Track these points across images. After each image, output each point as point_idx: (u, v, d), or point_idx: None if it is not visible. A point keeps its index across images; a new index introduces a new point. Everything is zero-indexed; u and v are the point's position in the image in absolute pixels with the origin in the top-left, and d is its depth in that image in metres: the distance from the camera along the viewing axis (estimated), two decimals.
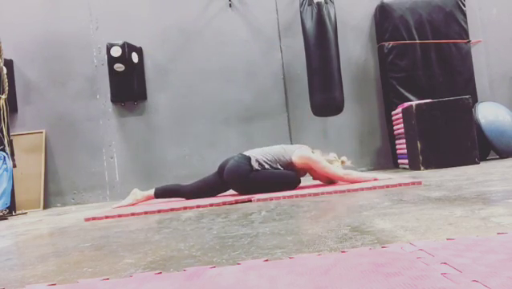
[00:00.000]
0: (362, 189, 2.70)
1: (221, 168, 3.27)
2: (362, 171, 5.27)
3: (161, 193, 3.37)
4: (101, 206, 4.26)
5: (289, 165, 3.20)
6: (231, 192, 3.40)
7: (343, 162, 3.30)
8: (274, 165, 3.20)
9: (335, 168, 3.16)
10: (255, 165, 3.17)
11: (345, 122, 5.35)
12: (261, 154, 3.23)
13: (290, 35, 5.41)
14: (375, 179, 3.04)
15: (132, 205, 3.34)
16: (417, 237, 1.18)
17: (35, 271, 1.30)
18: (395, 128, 4.95)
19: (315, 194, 2.71)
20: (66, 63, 5.50)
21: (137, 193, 3.38)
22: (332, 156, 3.30)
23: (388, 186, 2.69)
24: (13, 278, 1.25)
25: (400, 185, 2.70)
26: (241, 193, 3.20)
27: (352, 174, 3.15)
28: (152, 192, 3.38)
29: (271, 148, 3.30)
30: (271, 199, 2.74)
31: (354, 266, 0.92)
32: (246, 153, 3.26)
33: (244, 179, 3.14)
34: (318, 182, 3.48)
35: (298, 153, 3.20)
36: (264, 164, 3.18)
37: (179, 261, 1.22)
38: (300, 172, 3.28)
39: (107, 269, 1.22)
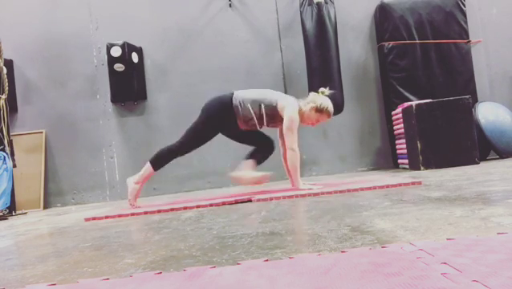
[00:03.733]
0: (362, 189, 2.70)
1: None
2: (362, 171, 5.28)
3: (159, 162, 3.28)
4: (101, 206, 4.27)
5: (272, 109, 3.10)
6: (231, 192, 3.38)
7: (322, 92, 3.21)
8: (255, 105, 3.10)
9: (295, 141, 3.06)
10: (235, 102, 3.11)
11: (345, 122, 5.35)
12: (245, 93, 3.17)
13: (290, 35, 5.42)
14: (309, 189, 2.94)
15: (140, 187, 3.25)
16: (417, 237, 1.18)
17: (35, 271, 1.30)
18: (395, 128, 4.95)
19: (315, 194, 2.71)
20: (66, 63, 5.50)
21: (131, 181, 3.26)
22: (312, 95, 3.22)
23: (388, 186, 2.70)
24: (13, 278, 1.25)
25: (400, 185, 2.70)
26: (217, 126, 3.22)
27: (297, 160, 3.05)
28: (147, 168, 3.25)
29: (259, 90, 3.24)
30: (271, 199, 2.75)
31: (354, 266, 0.92)
32: (234, 90, 3.24)
33: (222, 109, 3.15)
34: (318, 182, 3.48)
35: (284, 104, 3.09)
36: (244, 102, 3.10)
37: (179, 261, 1.22)
38: (278, 118, 3.17)
39: (107, 269, 1.22)
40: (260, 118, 3.14)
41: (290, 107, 3.11)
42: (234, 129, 3.25)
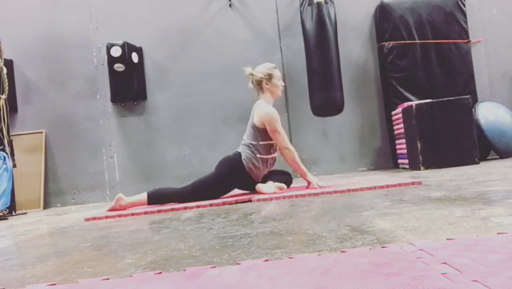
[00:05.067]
0: (362, 189, 2.70)
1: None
2: (362, 171, 5.28)
3: (155, 199, 3.09)
4: (101, 206, 4.26)
5: (260, 132, 3.09)
6: (232, 192, 3.37)
7: (250, 74, 3.26)
8: (256, 144, 3.09)
9: (285, 139, 3.10)
10: (244, 163, 3.08)
11: (345, 122, 5.35)
12: (244, 146, 3.14)
13: (290, 35, 5.41)
14: (308, 183, 3.03)
15: (119, 209, 3.08)
16: (417, 237, 1.18)
17: (35, 271, 1.30)
18: (395, 128, 4.94)
19: (315, 194, 2.71)
20: (66, 63, 5.50)
21: (122, 200, 3.10)
22: (252, 81, 3.26)
23: (388, 186, 2.70)
24: (13, 278, 1.25)
25: (400, 185, 2.70)
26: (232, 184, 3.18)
27: (295, 156, 3.09)
28: (142, 196, 3.09)
29: (247, 134, 3.20)
30: (271, 199, 2.75)
31: (354, 266, 0.92)
32: (239, 149, 3.20)
33: (235, 173, 3.10)
34: None
35: (257, 113, 3.11)
36: (251, 158, 3.07)
37: (179, 261, 1.22)
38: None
39: (107, 269, 1.22)
40: (267, 148, 3.12)
41: (258, 109, 3.12)
42: (250, 185, 3.19)
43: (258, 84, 3.24)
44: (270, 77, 3.22)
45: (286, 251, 1.18)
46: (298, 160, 3.13)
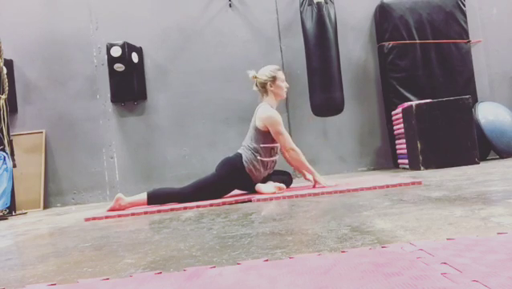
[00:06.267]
0: (362, 189, 2.70)
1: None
2: (362, 171, 5.28)
3: (155, 199, 3.10)
4: (101, 206, 4.26)
5: (261, 135, 3.09)
6: (231, 193, 3.37)
7: (254, 76, 3.25)
8: (257, 146, 3.09)
9: (289, 140, 3.10)
10: (245, 164, 3.08)
11: (345, 122, 5.35)
12: (244, 147, 3.14)
13: (290, 35, 5.41)
14: (315, 182, 3.06)
15: (119, 209, 3.10)
16: (417, 237, 1.18)
17: (35, 271, 1.30)
18: (395, 128, 4.94)
19: (315, 194, 2.71)
20: (66, 63, 5.50)
21: (122, 200, 3.12)
22: (257, 85, 3.26)
23: (388, 186, 2.69)
24: (13, 278, 1.25)
25: (400, 185, 2.70)
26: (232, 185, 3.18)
27: (300, 156, 3.09)
28: (141, 196, 3.10)
29: (248, 135, 3.20)
30: (271, 199, 2.75)
31: (354, 266, 0.92)
32: (239, 151, 3.20)
33: (234, 169, 3.10)
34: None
35: (259, 116, 3.11)
36: (251, 159, 3.08)
37: (179, 261, 1.22)
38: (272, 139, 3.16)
39: (107, 269, 1.22)
40: (268, 150, 3.13)
41: (261, 112, 3.12)
42: (249, 186, 3.18)
43: (263, 87, 3.23)
44: (274, 79, 3.22)
45: (286, 251, 1.18)
46: (303, 159, 3.13)
